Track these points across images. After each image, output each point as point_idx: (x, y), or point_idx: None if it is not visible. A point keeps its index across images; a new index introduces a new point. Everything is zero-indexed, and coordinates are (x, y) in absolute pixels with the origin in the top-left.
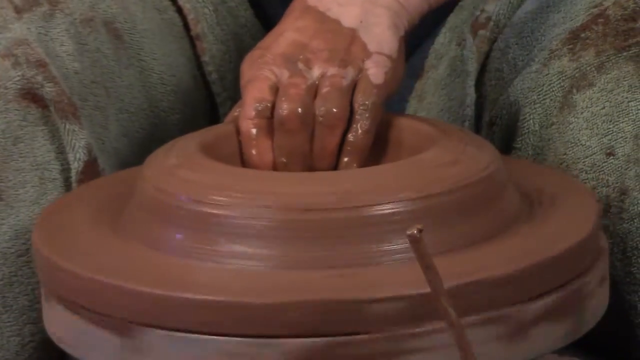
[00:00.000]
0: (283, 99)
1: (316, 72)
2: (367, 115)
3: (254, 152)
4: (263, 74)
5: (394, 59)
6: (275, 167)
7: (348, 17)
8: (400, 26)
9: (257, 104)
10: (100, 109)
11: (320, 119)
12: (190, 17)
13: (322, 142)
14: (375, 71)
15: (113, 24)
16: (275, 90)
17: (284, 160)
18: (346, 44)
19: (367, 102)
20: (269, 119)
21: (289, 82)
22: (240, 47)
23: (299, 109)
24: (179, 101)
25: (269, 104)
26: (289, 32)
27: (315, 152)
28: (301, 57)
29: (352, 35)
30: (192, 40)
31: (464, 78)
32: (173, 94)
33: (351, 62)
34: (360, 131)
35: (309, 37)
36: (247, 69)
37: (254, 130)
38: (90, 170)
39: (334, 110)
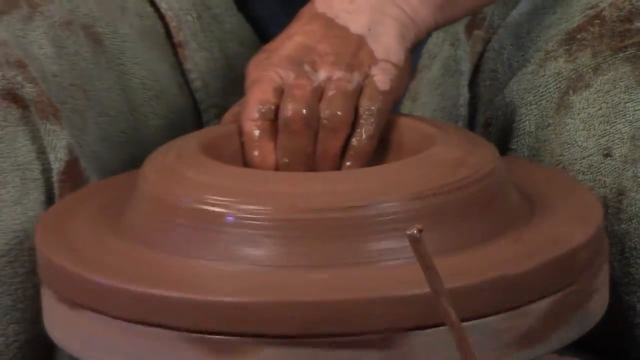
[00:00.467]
0: (288, 100)
1: (322, 75)
2: (372, 120)
3: (256, 153)
4: (268, 75)
5: (400, 67)
6: (277, 168)
7: (356, 24)
8: (407, 38)
9: (261, 106)
10: (79, 112)
11: (325, 121)
12: (172, 24)
13: (325, 145)
14: (382, 78)
15: (93, 28)
16: (279, 92)
17: (287, 161)
18: (353, 49)
19: (372, 108)
20: (272, 121)
21: (294, 83)
22: (226, 53)
23: (304, 111)
24: (162, 106)
25: (272, 106)
26: (296, 35)
27: (318, 154)
28: (307, 59)
29: (360, 42)
30: (174, 47)
31: (458, 78)
32: (155, 99)
33: (357, 67)
34: (364, 136)
35: (316, 40)
36: (253, 69)
37: (256, 132)
38: (72, 170)
39: (339, 113)
